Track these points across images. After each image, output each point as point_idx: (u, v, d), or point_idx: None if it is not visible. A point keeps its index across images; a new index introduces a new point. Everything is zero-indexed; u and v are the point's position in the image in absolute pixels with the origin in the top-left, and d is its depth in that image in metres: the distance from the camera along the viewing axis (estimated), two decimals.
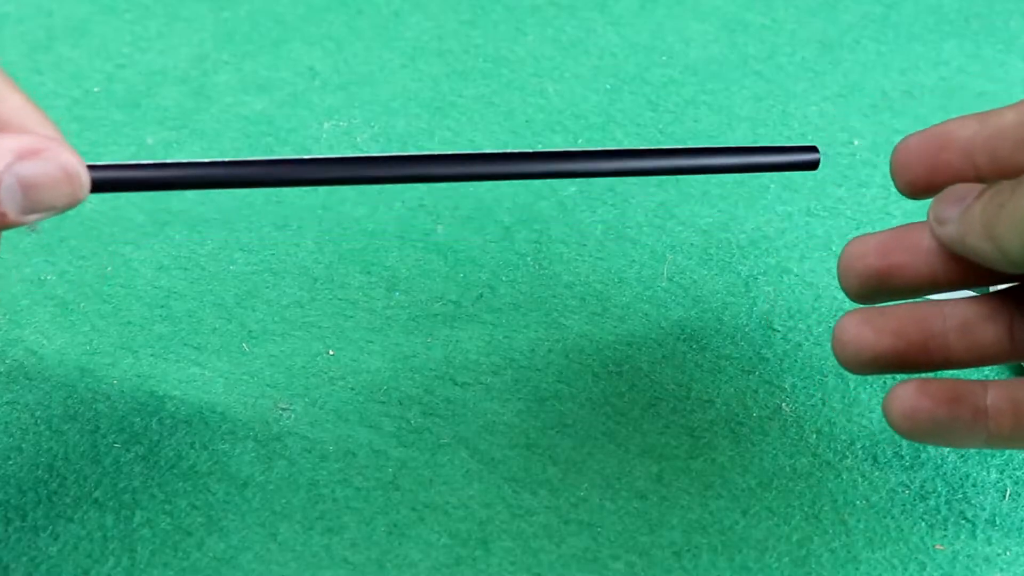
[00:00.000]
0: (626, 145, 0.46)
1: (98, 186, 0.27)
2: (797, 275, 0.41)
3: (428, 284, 0.40)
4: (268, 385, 0.37)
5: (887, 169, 0.45)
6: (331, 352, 0.38)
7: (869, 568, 0.32)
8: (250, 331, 0.39)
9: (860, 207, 0.43)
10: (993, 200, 0.25)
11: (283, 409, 0.36)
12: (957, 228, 0.26)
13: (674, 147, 0.30)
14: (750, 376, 0.37)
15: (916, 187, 0.28)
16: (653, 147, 0.30)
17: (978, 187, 0.26)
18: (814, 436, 0.36)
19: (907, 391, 0.27)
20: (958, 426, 0.26)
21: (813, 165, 0.32)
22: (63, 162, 0.25)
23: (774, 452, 0.35)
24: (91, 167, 0.27)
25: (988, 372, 0.37)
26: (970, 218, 0.25)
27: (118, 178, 0.27)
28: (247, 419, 0.36)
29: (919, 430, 0.27)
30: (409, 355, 0.38)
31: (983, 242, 0.25)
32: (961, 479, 0.34)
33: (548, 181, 0.44)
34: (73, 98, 0.48)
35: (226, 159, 0.28)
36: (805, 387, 0.37)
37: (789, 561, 0.33)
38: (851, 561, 0.33)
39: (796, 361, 0.38)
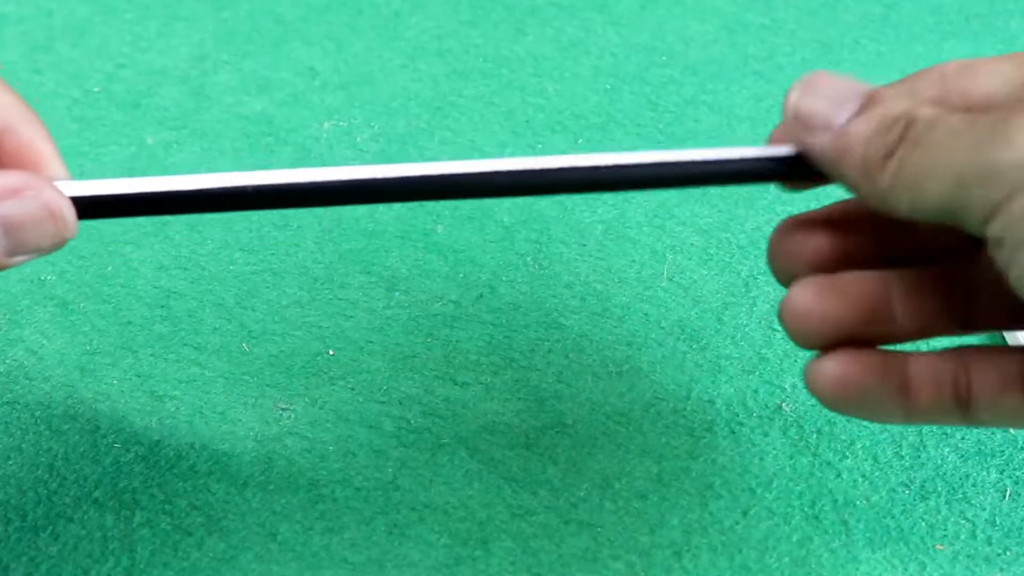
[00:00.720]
0: (626, 146, 0.46)
1: (84, 213, 0.25)
2: None
3: (428, 284, 0.40)
4: (268, 385, 0.37)
5: None
6: (331, 352, 0.38)
7: (869, 568, 0.32)
8: (250, 331, 0.39)
9: None
10: (881, 141, 0.23)
11: (283, 409, 0.36)
12: (831, 147, 0.24)
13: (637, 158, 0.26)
14: (750, 376, 0.37)
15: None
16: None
17: (856, 90, 0.24)
18: (814, 436, 0.36)
19: (839, 357, 0.25)
20: (885, 398, 0.25)
21: (788, 170, 0.25)
22: (46, 200, 0.24)
23: (774, 452, 0.35)
24: (75, 199, 0.25)
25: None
26: (846, 145, 0.23)
27: (105, 202, 0.25)
28: (247, 419, 0.36)
29: (846, 400, 0.25)
30: (409, 355, 0.38)
31: (862, 180, 0.23)
32: (961, 479, 0.34)
33: None
34: (73, 98, 0.48)
35: (219, 175, 0.25)
36: (805, 387, 0.37)
37: (789, 561, 0.33)
38: (851, 561, 0.33)
39: (796, 361, 0.38)
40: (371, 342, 0.38)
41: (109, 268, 0.41)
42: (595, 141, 0.46)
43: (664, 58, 0.51)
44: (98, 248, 0.41)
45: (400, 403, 0.37)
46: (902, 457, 0.35)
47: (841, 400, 0.25)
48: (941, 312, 0.25)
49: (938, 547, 0.33)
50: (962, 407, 0.25)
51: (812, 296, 0.25)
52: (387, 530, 0.33)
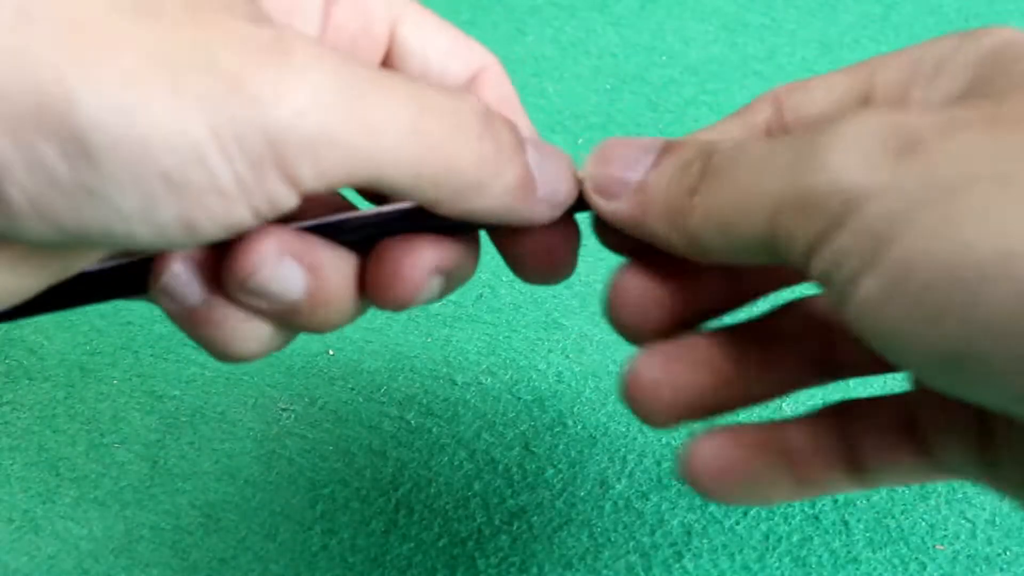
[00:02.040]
0: None
1: None
2: None
3: None
4: (268, 385, 0.37)
5: None
6: (331, 352, 0.38)
7: (869, 568, 0.32)
8: None
9: None
10: (680, 182, 0.21)
11: (283, 409, 0.36)
12: (633, 208, 0.22)
13: None
14: None
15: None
16: None
17: (652, 145, 0.22)
18: None
19: (716, 443, 0.21)
20: (776, 479, 0.21)
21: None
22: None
23: None
24: None
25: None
26: (647, 198, 0.21)
27: None
28: (247, 419, 0.36)
29: (732, 487, 0.21)
30: (408, 355, 0.38)
31: (670, 231, 0.21)
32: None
33: None
34: None
35: None
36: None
37: (789, 561, 0.33)
38: (851, 561, 0.33)
39: None
40: (371, 342, 0.38)
41: None
42: (595, 141, 0.46)
43: (664, 58, 0.51)
44: None
45: (399, 403, 0.37)
46: None
47: (727, 489, 0.21)
48: (801, 363, 0.22)
49: (938, 547, 0.33)
50: (857, 475, 0.22)
51: (660, 366, 0.21)
52: (386, 530, 0.33)
